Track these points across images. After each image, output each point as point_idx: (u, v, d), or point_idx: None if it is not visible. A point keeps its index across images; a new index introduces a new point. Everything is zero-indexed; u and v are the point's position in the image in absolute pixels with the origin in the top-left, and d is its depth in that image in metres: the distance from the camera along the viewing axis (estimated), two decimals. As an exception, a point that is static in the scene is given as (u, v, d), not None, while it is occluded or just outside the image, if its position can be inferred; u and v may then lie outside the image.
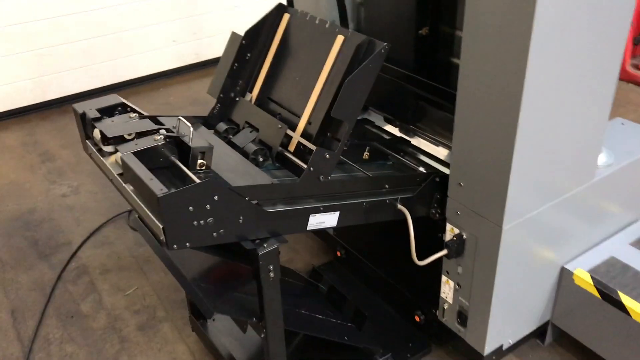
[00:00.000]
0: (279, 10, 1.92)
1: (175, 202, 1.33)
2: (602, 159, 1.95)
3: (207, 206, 1.38)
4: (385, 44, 1.57)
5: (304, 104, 1.74)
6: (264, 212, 1.49)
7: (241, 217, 1.45)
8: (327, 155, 1.57)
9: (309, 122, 1.71)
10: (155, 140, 1.54)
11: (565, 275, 2.00)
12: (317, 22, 1.79)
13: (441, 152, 2.01)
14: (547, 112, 1.58)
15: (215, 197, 1.38)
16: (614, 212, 2.10)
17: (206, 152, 1.57)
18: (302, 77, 1.79)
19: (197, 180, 1.42)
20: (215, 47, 4.85)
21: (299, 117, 1.74)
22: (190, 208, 1.35)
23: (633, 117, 3.82)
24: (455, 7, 1.82)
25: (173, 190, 1.33)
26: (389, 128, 2.21)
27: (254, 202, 1.48)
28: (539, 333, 2.16)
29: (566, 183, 1.83)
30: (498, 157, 1.61)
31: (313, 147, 1.61)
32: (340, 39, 1.70)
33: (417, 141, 2.10)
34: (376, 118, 2.27)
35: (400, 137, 2.12)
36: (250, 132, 1.81)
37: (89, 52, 4.32)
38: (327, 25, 1.76)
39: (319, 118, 1.68)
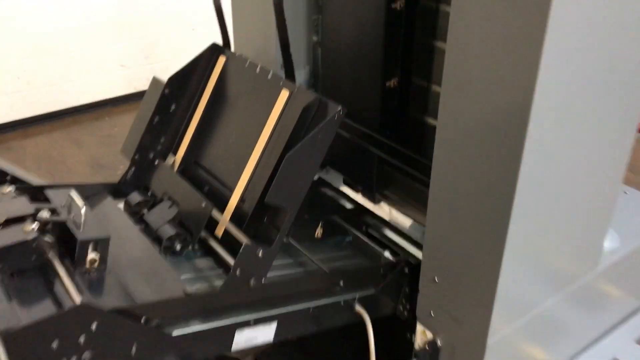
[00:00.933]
0: (212, 51, 1.56)
1: (28, 339, 0.93)
2: (606, 241, 1.61)
3: (81, 338, 0.98)
4: (340, 108, 1.20)
5: (237, 175, 1.36)
6: (169, 337, 1.09)
7: (134, 346, 1.05)
8: (261, 253, 1.18)
9: (242, 200, 1.33)
10: (25, 232, 1.13)
11: (560, 384, 1.64)
12: (257, 70, 1.42)
13: (411, 225, 1.65)
14: (550, 184, 1.20)
15: (94, 326, 0.98)
16: (616, 303, 1.75)
17: (99, 244, 1.18)
18: (238, 139, 1.41)
19: (75, 296, 1.03)
20: (170, 72, 4.44)
21: (231, 191, 1.36)
22: (55, 344, 0.95)
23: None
24: (432, 55, 1.47)
25: (26, 322, 0.92)
26: (349, 191, 1.84)
27: (155, 322, 1.08)
28: None
29: (567, 275, 1.47)
30: (485, 247, 1.22)
31: (243, 239, 1.22)
32: (284, 94, 1.33)
33: (382, 211, 1.73)
34: (335, 177, 1.90)
35: (362, 206, 1.75)
36: (170, 207, 1.41)
37: (23, 76, 3.86)
38: (269, 76, 1.38)
39: (254, 197, 1.29)
